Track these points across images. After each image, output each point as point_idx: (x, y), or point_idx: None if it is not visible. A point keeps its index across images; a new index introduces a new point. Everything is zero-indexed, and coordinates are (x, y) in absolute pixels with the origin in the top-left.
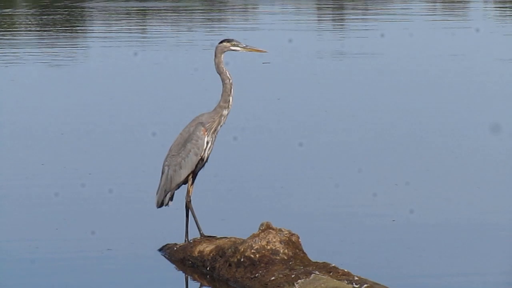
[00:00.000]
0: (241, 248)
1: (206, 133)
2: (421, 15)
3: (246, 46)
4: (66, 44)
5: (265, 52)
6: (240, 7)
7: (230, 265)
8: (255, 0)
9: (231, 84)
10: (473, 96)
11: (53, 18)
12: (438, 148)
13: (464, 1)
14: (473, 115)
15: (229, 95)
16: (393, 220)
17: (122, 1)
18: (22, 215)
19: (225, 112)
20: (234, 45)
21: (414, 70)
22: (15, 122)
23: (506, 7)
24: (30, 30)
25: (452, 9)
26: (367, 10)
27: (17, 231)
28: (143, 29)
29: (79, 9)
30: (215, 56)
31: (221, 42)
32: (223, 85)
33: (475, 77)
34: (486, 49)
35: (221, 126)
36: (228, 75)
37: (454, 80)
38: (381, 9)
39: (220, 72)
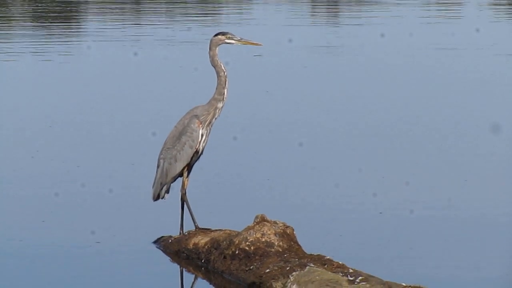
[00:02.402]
0: (236, 241)
1: (200, 125)
2: (415, 10)
3: (241, 39)
4: (60, 38)
5: (260, 45)
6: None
7: (225, 257)
8: None
9: (225, 76)
10: (472, 93)
11: (47, 10)
12: (437, 145)
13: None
14: (472, 112)
15: (223, 88)
16: (380, 213)
17: None
18: (9, 208)
19: (219, 104)
20: (229, 38)
21: (411, 67)
22: (6, 115)
23: (499, 5)
24: (24, 23)
25: (447, 6)
26: (362, 5)
27: (3, 224)
28: (138, 23)
29: (74, 2)
30: (210, 49)
31: (216, 35)
32: (217, 77)
33: (474, 74)
34: (483, 45)
35: (215, 118)
36: (223, 68)
37: (452, 77)
38: (376, 6)
39: (214, 65)
